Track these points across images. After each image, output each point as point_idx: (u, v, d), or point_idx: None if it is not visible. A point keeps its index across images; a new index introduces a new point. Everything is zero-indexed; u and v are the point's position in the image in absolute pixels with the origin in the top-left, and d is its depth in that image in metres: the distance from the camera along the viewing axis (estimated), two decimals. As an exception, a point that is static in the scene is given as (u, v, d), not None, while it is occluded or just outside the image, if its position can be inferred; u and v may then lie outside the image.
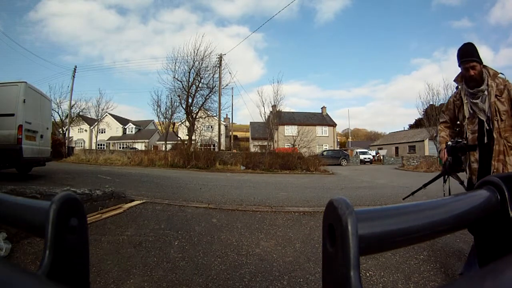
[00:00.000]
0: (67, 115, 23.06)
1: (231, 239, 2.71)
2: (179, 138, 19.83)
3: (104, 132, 38.48)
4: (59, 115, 22.75)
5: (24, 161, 5.84)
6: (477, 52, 1.84)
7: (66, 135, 22.79)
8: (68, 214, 0.25)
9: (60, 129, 22.73)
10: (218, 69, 18.92)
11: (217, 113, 19.49)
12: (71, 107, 23.12)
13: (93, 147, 30.89)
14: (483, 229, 0.32)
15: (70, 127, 24.02)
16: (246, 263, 2.19)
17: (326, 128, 34.26)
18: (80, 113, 25.36)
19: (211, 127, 24.71)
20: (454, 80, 2.02)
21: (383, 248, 0.24)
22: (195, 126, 18.42)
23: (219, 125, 20.49)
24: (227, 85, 21.65)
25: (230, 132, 33.10)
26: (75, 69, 23.45)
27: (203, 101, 18.60)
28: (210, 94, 18.65)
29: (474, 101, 1.87)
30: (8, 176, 6.45)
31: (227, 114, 42.57)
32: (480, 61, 1.84)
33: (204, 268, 2.08)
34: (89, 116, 28.00)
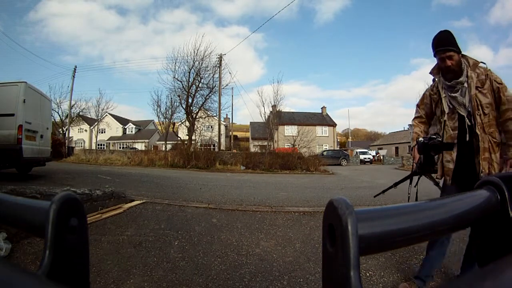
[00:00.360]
0: (67, 115, 23.07)
1: (231, 239, 2.71)
2: (179, 138, 19.83)
3: (104, 132, 38.48)
4: (59, 115, 22.77)
5: (24, 161, 5.83)
6: (455, 40, 1.66)
7: (66, 135, 22.79)
8: (68, 214, 0.25)
9: (60, 129, 22.73)
10: (218, 69, 18.92)
11: (217, 113, 19.49)
12: (71, 107, 23.13)
13: (93, 147, 30.89)
14: (483, 229, 0.32)
15: (70, 127, 24.03)
16: (246, 263, 2.19)
17: (326, 128, 34.26)
18: (80, 113, 25.36)
19: (211, 127, 24.71)
20: (430, 73, 1.84)
21: (383, 248, 0.24)
22: (195, 126, 18.42)
23: (219, 125, 20.48)
24: (227, 85, 21.66)
25: (230, 132, 33.10)
26: (75, 69, 23.45)
27: (203, 101, 18.62)
28: (210, 94, 18.67)
29: (453, 94, 1.69)
30: (8, 176, 6.45)
31: (227, 114, 42.59)
32: (458, 50, 1.66)
33: (204, 268, 2.08)
34: (89, 116, 28.01)
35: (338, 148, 32.73)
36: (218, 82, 18.90)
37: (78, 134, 38.23)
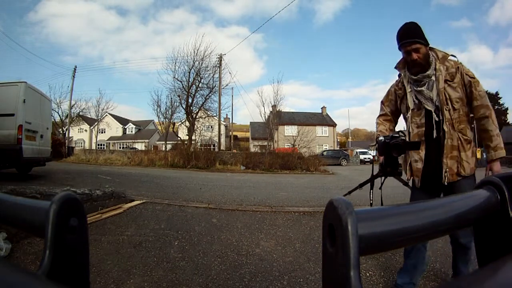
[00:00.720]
0: (67, 115, 23.07)
1: (231, 239, 2.71)
2: (179, 138, 19.83)
3: (104, 132, 38.47)
4: (59, 115, 22.78)
5: (24, 161, 5.84)
6: (422, 32, 1.54)
7: (66, 135, 22.80)
8: (68, 214, 0.25)
9: (60, 129, 22.73)
10: (218, 69, 18.93)
11: (217, 113, 19.50)
12: (71, 107, 23.13)
13: (93, 147, 30.88)
14: (483, 229, 0.32)
15: (70, 127, 24.03)
16: (246, 263, 2.19)
17: (326, 128, 34.26)
18: (80, 113, 25.36)
19: (211, 127, 24.71)
20: (395, 67, 1.71)
21: (383, 248, 0.24)
22: (195, 126, 18.43)
23: (219, 125, 20.49)
24: (227, 85, 21.68)
25: (230, 132, 33.10)
26: (75, 69, 23.46)
27: (203, 101, 18.63)
28: (210, 94, 18.68)
29: (419, 88, 1.57)
30: (8, 176, 6.45)
31: (227, 114, 42.58)
32: (425, 43, 1.54)
33: (204, 268, 2.08)
34: (89, 116, 28.02)
35: (338, 148, 32.73)
36: (218, 82, 18.91)
37: (78, 134, 38.23)
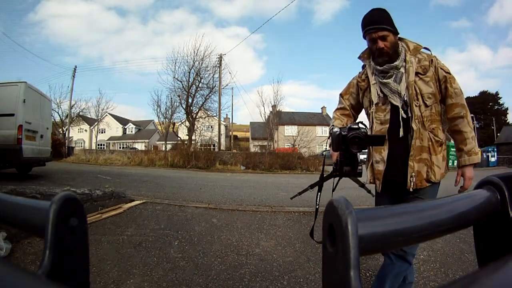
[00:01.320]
0: (67, 115, 23.06)
1: (231, 239, 2.71)
2: (179, 138, 19.83)
3: (104, 132, 38.46)
4: (59, 115, 22.77)
5: (24, 161, 5.84)
6: (390, 19, 1.36)
7: (66, 135, 22.79)
8: (68, 214, 0.25)
9: (60, 129, 22.72)
10: (218, 69, 18.94)
11: (217, 113, 19.51)
12: (71, 107, 23.12)
13: (93, 147, 30.88)
14: (483, 229, 0.32)
15: (70, 127, 24.03)
16: (246, 263, 2.19)
17: (326, 128, 34.24)
18: (80, 113, 25.37)
19: (211, 127, 24.72)
20: (359, 57, 1.53)
21: (383, 248, 0.24)
22: (195, 126, 18.44)
23: (219, 125, 20.50)
24: (227, 85, 21.66)
25: (230, 132, 33.11)
26: (75, 69, 23.45)
27: (203, 101, 18.65)
28: (210, 94, 18.70)
29: (385, 81, 1.37)
30: (8, 176, 6.45)
31: (227, 114, 42.57)
32: (394, 31, 1.36)
33: (204, 268, 2.08)
34: (89, 116, 28.03)
35: (338, 148, 32.66)
36: (218, 82, 18.92)
37: (78, 134, 38.22)
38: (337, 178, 1.23)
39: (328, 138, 1.16)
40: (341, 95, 1.62)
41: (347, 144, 0.98)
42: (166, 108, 20.44)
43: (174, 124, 20.70)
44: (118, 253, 2.28)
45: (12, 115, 5.55)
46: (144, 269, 2.03)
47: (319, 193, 1.30)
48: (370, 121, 1.45)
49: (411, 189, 1.30)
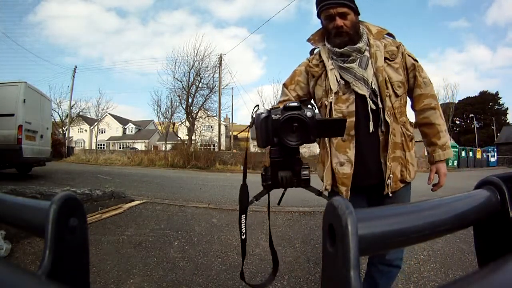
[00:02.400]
0: (67, 115, 23.07)
1: (231, 239, 2.71)
2: (179, 138, 19.84)
3: (104, 132, 38.47)
4: (59, 115, 22.78)
5: (24, 161, 5.84)
6: None
7: (66, 135, 22.80)
8: (68, 214, 0.25)
9: (60, 129, 22.73)
10: (218, 69, 18.95)
11: (217, 113, 19.51)
12: (71, 107, 23.13)
13: (93, 147, 30.89)
14: (483, 229, 0.32)
15: (70, 127, 24.04)
16: (246, 263, 2.19)
17: (326, 128, 34.20)
18: (80, 113, 25.38)
19: (211, 127, 24.72)
20: (308, 40, 1.30)
21: (383, 248, 0.24)
22: (195, 126, 18.44)
23: (219, 125, 20.51)
24: (227, 85, 21.64)
25: (230, 132, 33.10)
26: (75, 69, 23.45)
27: (203, 101, 18.67)
28: (210, 94, 18.72)
29: (347, 65, 1.16)
30: (8, 176, 6.45)
31: (227, 114, 42.55)
32: (355, 9, 1.17)
33: (204, 268, 2.08)
34: (89, 116, 28.04)
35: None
36: (218, 82, 18.93)
37: (78, 134, 38.21)
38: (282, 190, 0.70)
39: (250, 126, 0.68)
40: (285, 85, 1.34)
41: (280, 132, 0.57)
42: (166, 108, 20.48)
43: (174, 124, 20.71)
44: (118, 253, 2.28)
45: (12, 115, 5.55)
46: (144, 269, 2.03)
47: (243, 216, 0.76)
48: (326, 114, 1.20)
49: (389, 194, 1.13)
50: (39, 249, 2.30)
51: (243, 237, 0.75)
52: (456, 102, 24.76)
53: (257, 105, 0.64)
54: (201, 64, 18.31)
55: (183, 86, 18.42)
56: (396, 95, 1.16)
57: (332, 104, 1.16)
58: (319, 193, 0.79)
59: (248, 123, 0.68)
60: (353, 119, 1.14)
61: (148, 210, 3.66)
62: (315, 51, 1.31)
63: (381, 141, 1.14)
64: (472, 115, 37.15)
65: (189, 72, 18.25)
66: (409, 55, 1.21)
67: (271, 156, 0.61)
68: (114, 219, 3.18)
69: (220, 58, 19.12)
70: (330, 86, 1.17)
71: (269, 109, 0.60)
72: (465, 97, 41.43)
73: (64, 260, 0.24)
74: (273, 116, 0.58)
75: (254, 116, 0.62)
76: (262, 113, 0.59)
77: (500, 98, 40.61)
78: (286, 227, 3.15)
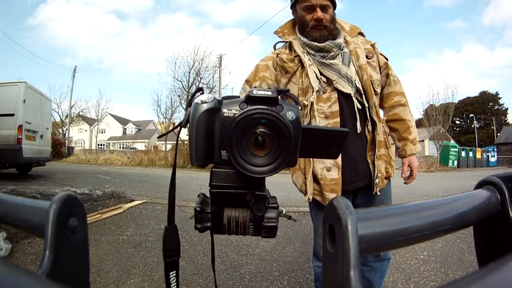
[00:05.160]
0: (67, 115, 23.08)
1: (231, 239, 2.71)
2: (179, 138, 19.83)
3: (104, 132, 38.52)
4: (59, 115, 22.79)
5: (24, 161, 5.84)
6: None
7: (66, 135, 22.80)
8: (68, 214, 0.25)
9: (60, 129, 22.73)
10: (218, 69, 18.95)
11: (217, 113, 19.49)
12: (71, 107, 23.14)
13: (93, 147, 30.91)
14: (483, 230, 0.32)
15: (70, 127, 24.04)
16: (246, 263, 2.19)
17: (326, 128, 34.26)
18: (80, 113, 25.39)
19: (211, 127, 24.69)
20: (276, 33, 1.22)
21: (383, 248, 0.24)
22: (195, 126, 18.43)
23: (219, 125, 20.48)
24: (227, 85, 21.70)
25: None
26: (75, 69, 23.45)
27: (203, 101, 18.63)
28: (210, 94, 18.69)
29: (329, 62, 1.09)
30: (8, 176, 6.45)
31: (227, 114, 42.45)
32: (335, 4, 1.13)
33: (204, 268, 2.08)
34: (89, 116, 28.07)
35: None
36: (218, 82, 18.93)
37: (78, 134, 38.23)
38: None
39: (182, 125, 0.43)
40: (247, 81, 1.19)
41: (233, 143, 0.31)
42: (166, 108, 20.49)
43: (174, 124, 20.73)
44: (118, 253, 2.28)
45: (12, 115, 5.56)
46: (144, 269, 2.03)
47: (172, 274, 0.47)
48: (305, 116, 1.08)
49: (378, 193, 1.12)
50: (39, 249, 2.30)
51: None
52: (456, 102, 24.78)
53: (201, 89, 0.38)
54: (201, 64, 18.33)
55: (183, 86, 18.44)
56: (376, 94, 1.15)
57: (314, 104, 1.07)
58: (289, 217, 0.57)
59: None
60: (338, 119, 1.08)
61: (148, 210, 3.66)
62: (281, 45, 1.21)
63: (369, 141, 1.12)
64: (472, 115, 37.18)
65: (189, 72, 18.27)
66: (381, 54, 1.21)
67: (213, 185, 0.37)
68: (114, 219, 3.18)
69: (220, 58, 19.13)
70: (310, 83, 1.07)
71: (221, 97, 0.35)
72: (465, 97, 41.49)
73: (64, 260, 0.24)
74: (224, 110, 0.33)
75: (190, 107, 0.35)
76: (204, 101, 0.34)
77: (500, 98, 40.66)
78: (286, 227, 3.15)
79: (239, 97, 0.33)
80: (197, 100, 0.34)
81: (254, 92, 0.31)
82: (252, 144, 0.31)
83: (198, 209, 0.38)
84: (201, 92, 0.36)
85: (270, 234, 0.39)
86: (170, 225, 0.48)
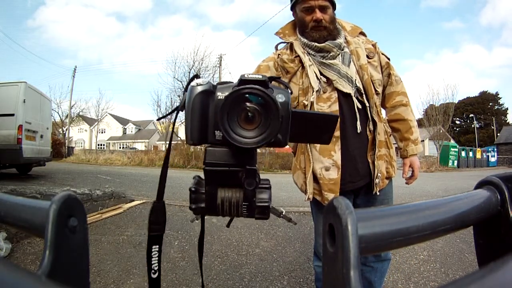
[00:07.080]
0: (67, 115, 23.08)
1: (231, 239, 2.71)
2: (179, 138, 19.84)
3: (104, 132, 38.53)
4: (59, 115, 22.78)
5: (24, 161, 5.84)
6: None
7: (66, 135, 22.80)
8: (68, 214, 0.25)
9: (60, 129, 22.73)
10: (218, 69, 18.96)
11: (217, 113, 19.50)
12: (71, 107, 23.14)
13: (93, 147, 30.92)
14: (483, 230, 0.32)
15: (70, 127, 24.04)
16: (246, 263, 2.19)
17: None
18: (80, 113, 25.40)
19: (211, 127, 24.70)
20: (277, 33, 1.24)
21: (383, 248, 0.24)
22: (195, 126, 18.43)
23: (219, 125, 20.48)
24: (227, 85, 21.68)
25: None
26: (75, 69, 23.46)
27: (203, 101, 18.63)
28: (210, 94, 18.69)
29: (330, 61, 1.10)
30: (8, 176, 6.45)
31: (227, 114, 42.47)
32: (334, 5, 1.13)
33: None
34: (89, 116, 28.08)
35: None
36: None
37: (78, 134, 38.23)
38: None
39: (179, 109, 0.42)
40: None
41: (224, 120, 0.33)
42: (166, 108, 20.46)
43: (174, 124, 20.69)
44: (118, 253, 2.28)
45: (12, 115, 5.56)
46: (144, 269, 2.02)
47: (155, 247, 0.51)
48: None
49: (378, 193, 1.13)
50: (39, 249, 2.30)
51: (154, 276, 0.47)
52: (456, 102, 24.76)
53: (196, 75, 0.40)
54: (201, 64, 18.32)
55: (183, 86, 18.44)
56: (377, 94, 1.15)
57: (314, 104, 1.08)
58: (289, 219, 0.59)
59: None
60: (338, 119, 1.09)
61: (148, 210, 3.66)
62: (283, 46, 1.23)
63: (369, 140, 1.12)
64: (472, 115, 37.16)
65: (189, 72, 18.22)
66: (382, 54, 1.21)
67: (207, 162, 0.37)
68: (114, 219, 3.18)
69: (220, 58, 19.13)
70: (310, 83, 1.09)
71: (216, 83, 0.38)
72: (465, 97, 41.48)
73: (64, 260, 0.24)
74: (218, 94, 0.36)
75: (187, 91, 0.38)
76: (199, 84, 0.36)
77: (500, 98, 40.66)
78: (286, 227, 3.15)
79: (232, 82, 0.36)
80: (193, 83, 0.37)
81: (246, 75, 0.33)
82: (243, 119, 0.33)
83: (192, 189, 0.39)
84: (197, 77, 0.39)
85: (262, 216, 0.38)
86: (159, 200, 0.52)
